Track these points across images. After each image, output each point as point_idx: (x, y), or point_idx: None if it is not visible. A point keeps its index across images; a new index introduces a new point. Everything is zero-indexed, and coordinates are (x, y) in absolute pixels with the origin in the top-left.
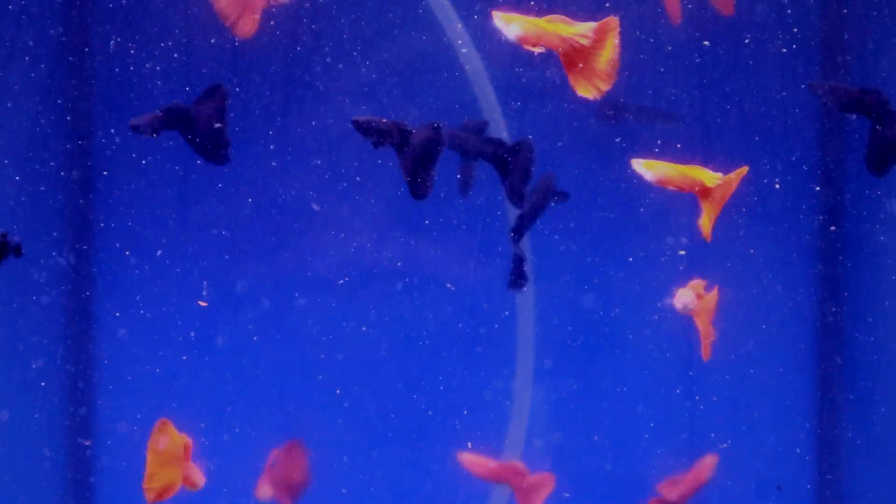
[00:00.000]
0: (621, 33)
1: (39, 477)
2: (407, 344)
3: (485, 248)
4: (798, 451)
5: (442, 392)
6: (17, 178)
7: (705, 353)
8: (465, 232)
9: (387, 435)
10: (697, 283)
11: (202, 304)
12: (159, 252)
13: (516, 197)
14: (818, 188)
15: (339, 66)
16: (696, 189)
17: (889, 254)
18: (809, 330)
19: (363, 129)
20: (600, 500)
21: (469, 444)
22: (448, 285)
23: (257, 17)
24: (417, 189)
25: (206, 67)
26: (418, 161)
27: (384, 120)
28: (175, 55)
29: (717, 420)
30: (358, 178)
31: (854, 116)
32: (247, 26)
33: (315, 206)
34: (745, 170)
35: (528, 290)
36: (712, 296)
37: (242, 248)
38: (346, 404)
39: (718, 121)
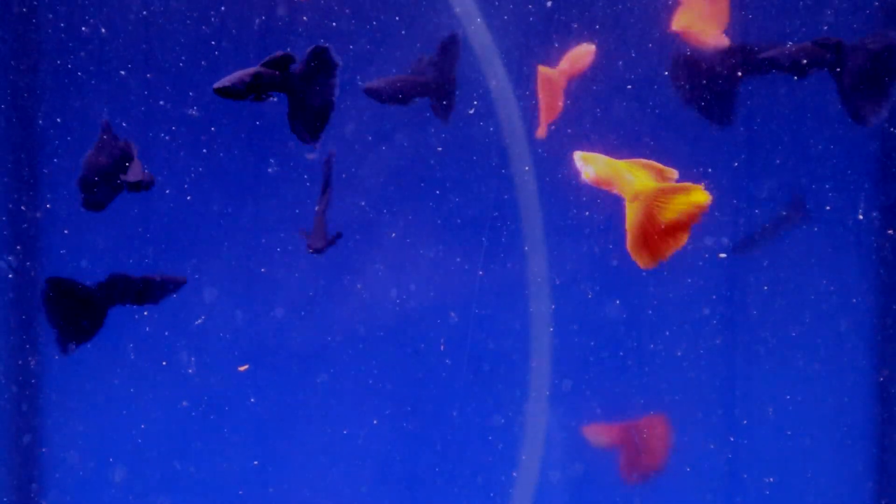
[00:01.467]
0: None
1: None
2: (404, 363)
3: (492, 252)
4: (857, 475)
5: (444, 417)
6: None
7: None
8: (471, 235)
9: (381, 471)
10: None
11: (242, 368)
12: (110, 263)
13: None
14: (875, 189)
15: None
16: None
17: None
18: (869, 341)
19: (232, 93)
20: None
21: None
22: (452, 315)
23: None
24: (315, 130)
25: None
26: (310, 94)
27: (247, 71)
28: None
29: (763, 447)
30: (353, 181)
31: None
32: None
33: (309, 156)
34: (673, 174)
35: (545, 299)
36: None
37: (204, 256)
38: (333, 424)
39: (770, 121)
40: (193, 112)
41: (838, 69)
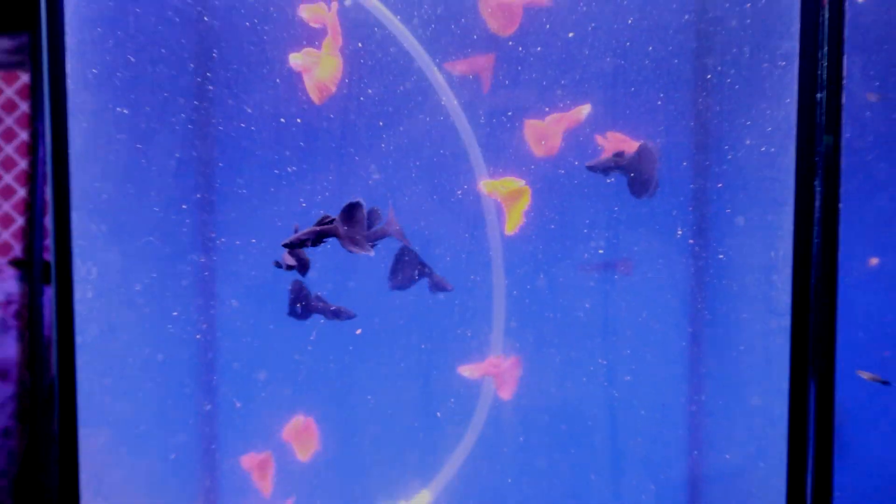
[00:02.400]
0: None
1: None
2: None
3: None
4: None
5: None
6: (157, 206)
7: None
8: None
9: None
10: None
11: (358, 331)
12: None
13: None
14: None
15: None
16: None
17: (738, 259)
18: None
19: (297, 245)
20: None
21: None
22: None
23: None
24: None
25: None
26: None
27: (309, 230)
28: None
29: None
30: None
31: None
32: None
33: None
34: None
35: (501, 279)
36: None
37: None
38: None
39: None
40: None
41: (625, 168)
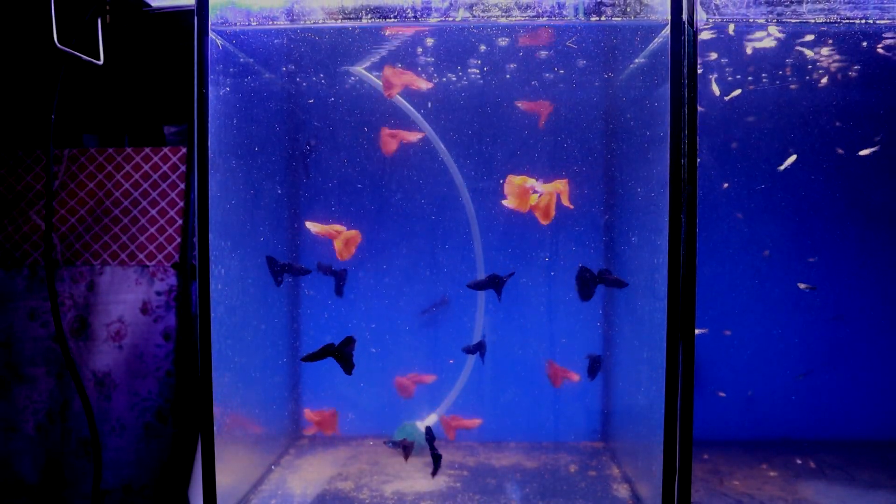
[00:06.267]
0: None
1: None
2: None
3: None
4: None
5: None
6: (262, 230)
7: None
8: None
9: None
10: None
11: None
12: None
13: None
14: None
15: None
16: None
17: (634, 264)
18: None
19: (314, 358)
20: None
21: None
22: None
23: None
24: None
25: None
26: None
27: (324, 348)
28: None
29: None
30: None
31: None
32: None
33: None
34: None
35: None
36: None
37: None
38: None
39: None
40: None
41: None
